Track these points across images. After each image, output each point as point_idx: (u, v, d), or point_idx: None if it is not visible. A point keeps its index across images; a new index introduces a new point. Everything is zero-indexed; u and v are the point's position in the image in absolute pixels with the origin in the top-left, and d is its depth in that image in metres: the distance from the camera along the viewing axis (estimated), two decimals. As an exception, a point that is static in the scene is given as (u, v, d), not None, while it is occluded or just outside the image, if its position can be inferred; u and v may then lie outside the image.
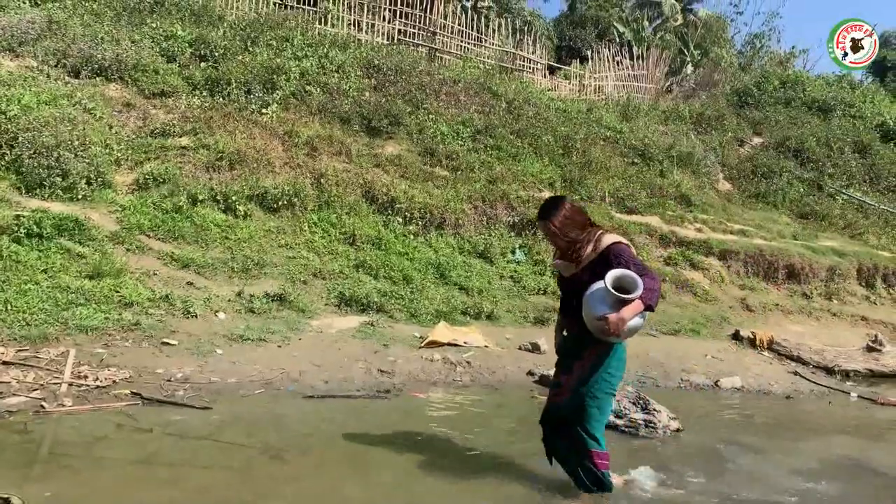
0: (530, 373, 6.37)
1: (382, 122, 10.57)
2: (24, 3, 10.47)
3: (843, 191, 14.16)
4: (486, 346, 6.87)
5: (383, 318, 7.17)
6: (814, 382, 7.41)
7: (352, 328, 6.78)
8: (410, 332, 6.93)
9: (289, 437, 4.20)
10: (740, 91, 18.31)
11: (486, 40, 16.21)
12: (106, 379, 4.82)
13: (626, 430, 5.00)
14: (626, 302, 3.25)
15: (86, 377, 4.80)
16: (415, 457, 4.11)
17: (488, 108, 12.15)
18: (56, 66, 9.21)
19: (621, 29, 25.28)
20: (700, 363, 7.48)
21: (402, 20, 15.05)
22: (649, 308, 3.31)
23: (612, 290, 3.24)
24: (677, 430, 5.13)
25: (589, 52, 19.55)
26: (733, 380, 7.01)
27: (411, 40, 14.89)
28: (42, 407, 4.27)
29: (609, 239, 3.51)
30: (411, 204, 9.15)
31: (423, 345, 6.66)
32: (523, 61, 16.66)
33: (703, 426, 5.48)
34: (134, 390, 4.70)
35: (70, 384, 4.67)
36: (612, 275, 3.28)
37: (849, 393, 7.17)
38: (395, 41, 14.47)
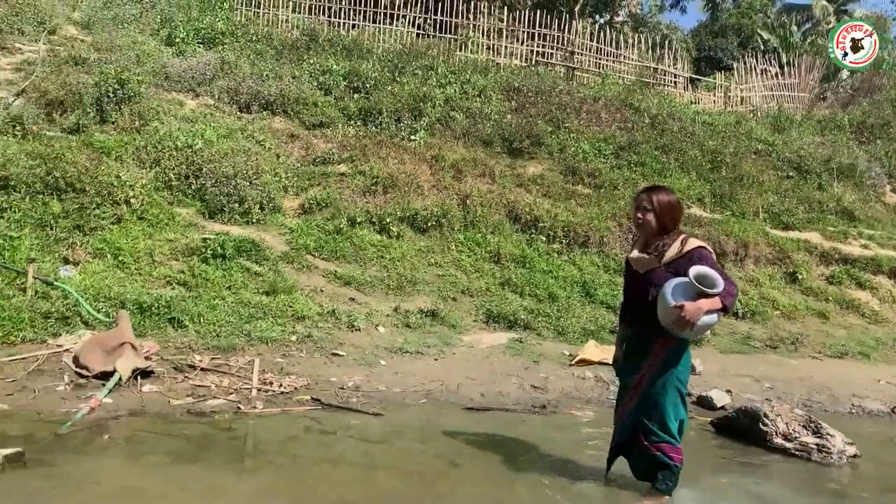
0: (688, 393, 6.22)
1: (524, 142, 10.79)
2: (199, 47, 11.69)
3: None
4: (637, 366, 6.80)
5: (531, 335, 7.30)
6: None
7: (501, 344, 6.97)
8: (559, 350, 7.01)
9: (458, 445, 4.42)
10: (908, 95, 16.84)
11: (623, 56, 16.05)
12: (288, 385, 5.30)
13: (798, 453, 4.79)
14: (705, 297, 3.36)
15: (271, 383, 5.30)
16: (578, 472, 4.16)
17: (630, 123, 12.03)
18: (229, 102, 10.22)
19: (766, 36, 24.13)
20: (872, 388, 6.98)
21: (540, 41, 15.26)
22: (724, 309, 3.41)
23: (695, 283, 3.34)
24: (854, 455, 4.85)
25: (733, 63, 18.81)
26: (914, 407, 6.48)
27: (548, 60, 15.05)
28: (239, 408, 4.78)
29: (696, 242, 3.62)
30: (554, 222, 9.25)
31: (573, 363, 6.72)
32: (664, 75, 16.32)
33: (883, 454, 5.13)
34: (313, 396, 5.13)
35: (258, 389, 5.18)
36: (696, 269, 3.40)
37: None
38: (533, 62, 14.69)
